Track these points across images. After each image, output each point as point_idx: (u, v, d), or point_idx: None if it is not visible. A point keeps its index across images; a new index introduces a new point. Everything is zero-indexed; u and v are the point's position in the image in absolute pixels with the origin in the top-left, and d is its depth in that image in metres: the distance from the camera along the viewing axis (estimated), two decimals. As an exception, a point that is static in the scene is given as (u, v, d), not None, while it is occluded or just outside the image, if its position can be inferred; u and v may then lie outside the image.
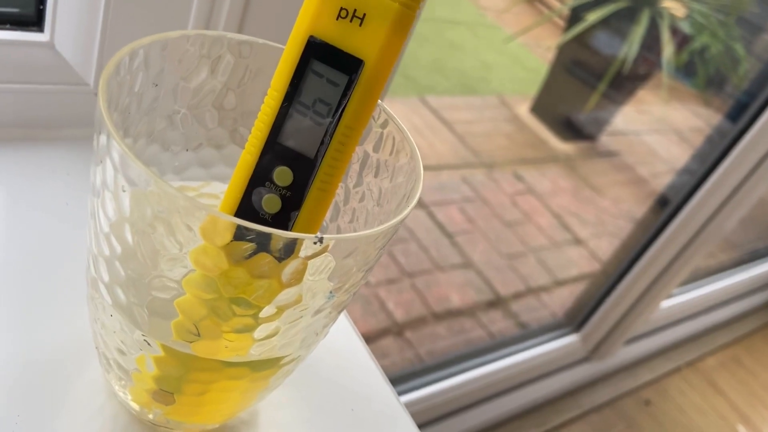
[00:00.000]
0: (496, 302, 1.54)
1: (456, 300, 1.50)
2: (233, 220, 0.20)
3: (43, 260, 0.33)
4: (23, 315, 0.31)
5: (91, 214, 0.23)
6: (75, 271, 0.32)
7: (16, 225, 0.34)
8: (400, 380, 1.14)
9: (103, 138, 0.21)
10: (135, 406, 0.28)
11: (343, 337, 0.37)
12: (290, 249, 0.21)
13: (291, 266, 0.21)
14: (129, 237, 0.22)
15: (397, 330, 1.37)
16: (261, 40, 0.27)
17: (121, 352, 0.25)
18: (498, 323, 1.48)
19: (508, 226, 1.78)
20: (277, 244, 0.21)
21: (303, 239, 0.20)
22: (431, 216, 1.70)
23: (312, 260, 0.21)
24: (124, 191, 0.21)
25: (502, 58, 2.63)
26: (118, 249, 0.22)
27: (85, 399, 0.29)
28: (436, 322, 1.43)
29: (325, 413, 0.33)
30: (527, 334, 1.38)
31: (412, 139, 0.26)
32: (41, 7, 0.37)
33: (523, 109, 2.33)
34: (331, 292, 0.24)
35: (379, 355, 1.29)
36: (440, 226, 1.68)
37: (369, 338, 1.32)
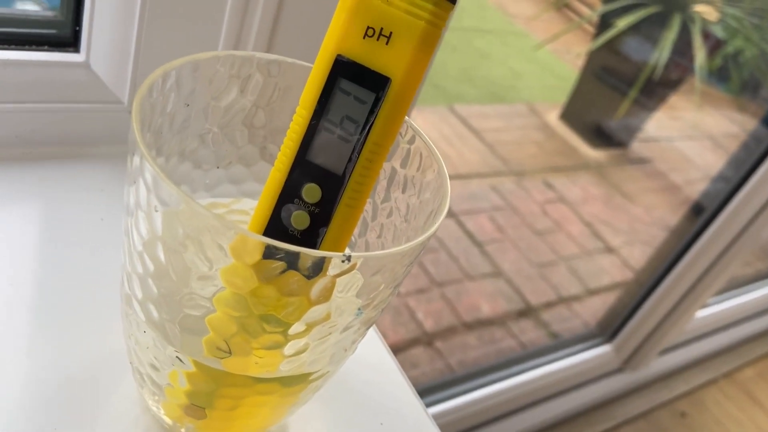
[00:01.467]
0: (527, 312, 1.52)
1: (486, 309, 1.49)
2: (262, 240, 0.20)
3: (79, 275, 0.34)
4: (59, 330, 0.31)
5: (125, 232, 0.24)
6: (110, 286, 0.33)
7: (53, 240, 0.35)
8: (429, 391, 1.14)
9: (136, 159, 0.21)
10: (168, 420, 0.29)
11: (372, 349, 0.37)
12: (319, 267, 0.21)
13: (320, 284, 0.21)
14: (161, 255, 0.22)
15: (426, 340, 1.37)
16: (289, 59, 0.27)
17: (154, 368, 0.26)
18: (529, 333, 1.47)
19: (539, 234, 1.77)
20: (305, 263, 0.21)
21: (331, 257, 0.21)
22: (461, 225, 1.70)
23: (340, 278, 0.21)
24: (156, 211, 0.21)
25: (531, 66, 2.62)
26: (151, 267, 0.23)
27: (120, 413, 0.29)
28: (466, 332, 1.42)
29: (353, 426, 0.33)
30: (559, 344, 1.37)
31: (439, 155, 0.26)
32: (77, 28, 0.38)
33: (553, 117, 2.32)
34: (359, 309, 0.24)
35: (409, 366, 1.29)
36: (470, 235, 1.67)
37: (399, 348, 1.32)
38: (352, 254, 0.21)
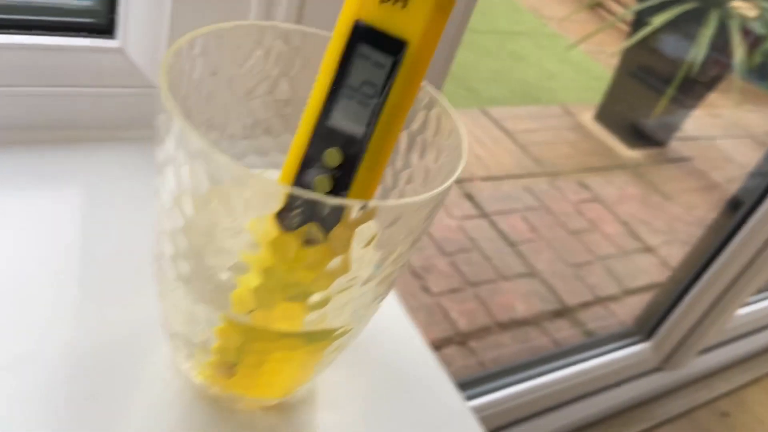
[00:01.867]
0: (563, 311, 1.51)
1: (521, 309, 1.49)
2: (282, 188, 0.21)
3: (117, 251, 0.35)
4: (99, 300, 0.33)
5: (156, 191, 0.25)
6: (146, 259, 0.34)
7: (93, 219, 0.37)
8: (464, 386, 1.14)
9: (164, 117, 0.22)
10: (198, 380, 0.30)
11: (398, 322, 0.38)
12: (337, 217, 0.22)
13: (338, 233, 0.22)
14: (188, 209, 0.23)
15: (460, 339, 1.37)
16: (311, 29, 0.28)
17: (186, 325, 0.27)
18: (564, 332, 1.46)
19: (574, 234, 1.75)
20: (323, 211, 0.22)
21: (350, 205, 0.21)
22: (493, 225, 1.69)
23: (358, 227, 0.22)
24: (183, 164, 0.22)
25: (564, 67, 2.60)
26: (180, 222, 0.24)
27: (153, 376, 0.31)
28: (500, 332, 1.41)
29: (380, 394, 0.34)
30: (596, 342, 1.35)
31: (455, 116, 0.27)
32: (113, 15, 0.40)
33: (588, 117, 2.30)
34: (378, 263, 0.25)
35: (443, 364, 1.29)
36: (503, 236, 1.67)
37: (433, 347, 1.32)
38: (369, 202, 0.21)
